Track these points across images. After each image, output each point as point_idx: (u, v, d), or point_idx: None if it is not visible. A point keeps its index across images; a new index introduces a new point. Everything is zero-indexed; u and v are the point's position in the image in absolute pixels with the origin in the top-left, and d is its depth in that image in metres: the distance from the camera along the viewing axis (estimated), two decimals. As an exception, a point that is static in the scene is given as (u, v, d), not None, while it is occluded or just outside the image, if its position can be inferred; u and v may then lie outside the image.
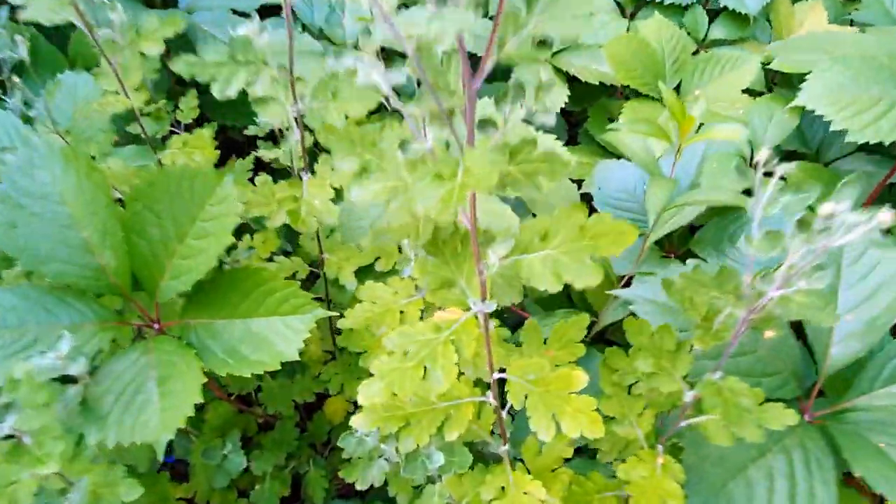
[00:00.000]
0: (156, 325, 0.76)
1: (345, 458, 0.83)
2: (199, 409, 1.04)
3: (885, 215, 0.37)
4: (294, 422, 0.99)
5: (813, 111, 0.97)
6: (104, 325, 0.72)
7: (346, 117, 0.61)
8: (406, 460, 0.59)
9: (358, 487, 0.72)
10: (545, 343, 0.64)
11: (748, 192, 0.99)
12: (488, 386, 0.62)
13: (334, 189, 0.71)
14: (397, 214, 0.49)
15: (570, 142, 1.51)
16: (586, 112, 1.47)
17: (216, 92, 0.53)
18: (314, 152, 0.77)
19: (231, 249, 0.88)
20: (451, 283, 0.53)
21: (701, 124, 1.16)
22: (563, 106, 1.37)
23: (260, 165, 1.13)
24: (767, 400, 0.56)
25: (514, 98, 0.46)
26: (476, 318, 0.48)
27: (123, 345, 0.73)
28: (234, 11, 1.31)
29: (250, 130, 1.02)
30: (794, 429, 0.67)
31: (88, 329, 0.71)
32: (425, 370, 0.45)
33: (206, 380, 0.66)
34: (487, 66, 0.38)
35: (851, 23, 1.49)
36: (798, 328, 0.74)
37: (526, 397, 0.54)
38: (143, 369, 0.69)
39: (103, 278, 0.72)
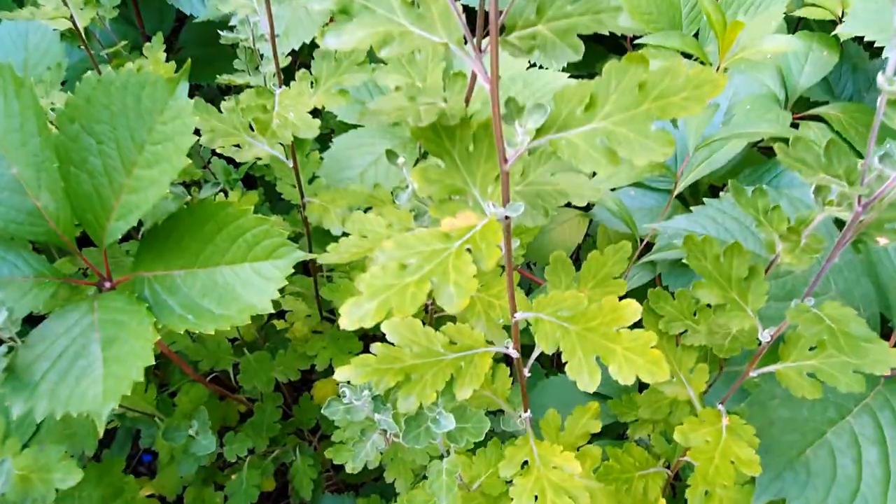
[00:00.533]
0: (106, 284, 0.63)
1: (334, 441, 0.71)
2: (171, 394, 0.92)
3: None
4: (276, 404, 0.87)
5: (859, 40, 0.86)
6: (40, 281, 0.60)
7: None
8: (407, 427, 0.47)
9: (348, 470, 0.60)
10: (575, 282, 0.52)
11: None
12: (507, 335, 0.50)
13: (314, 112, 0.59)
14: (392, 72, 0.37)
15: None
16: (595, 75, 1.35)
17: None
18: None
19: (192, 185, 0.76)
20: (462, 192, 0.41)
21: (725, 69, 1.05)
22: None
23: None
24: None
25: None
26: (496, 222, 0.36)
27: (64, 302, 0.60)
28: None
29: (223, 79, 0.90)
30: (875, 385, 0.56)
31: (19, 284, 0.59)
32: (433, 285, 0.33)
33: (157, 338, 0.53)
34: None
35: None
36: (869, 271, 0.63)
37: (560, 338, 0.42)
38: (85, 330, 0.57)
39: (40, 223, 0.59)
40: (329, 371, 0.90)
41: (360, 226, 0.52)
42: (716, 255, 0.45)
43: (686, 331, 0.53)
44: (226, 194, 0.87)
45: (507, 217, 0.37)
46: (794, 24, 1.31)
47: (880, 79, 0.33)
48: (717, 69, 0.74)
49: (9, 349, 0.54)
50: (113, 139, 0.55)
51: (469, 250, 0.34)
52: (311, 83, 0.59)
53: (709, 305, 0.49)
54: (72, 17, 0.67)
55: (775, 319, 0.48)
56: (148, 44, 0.74)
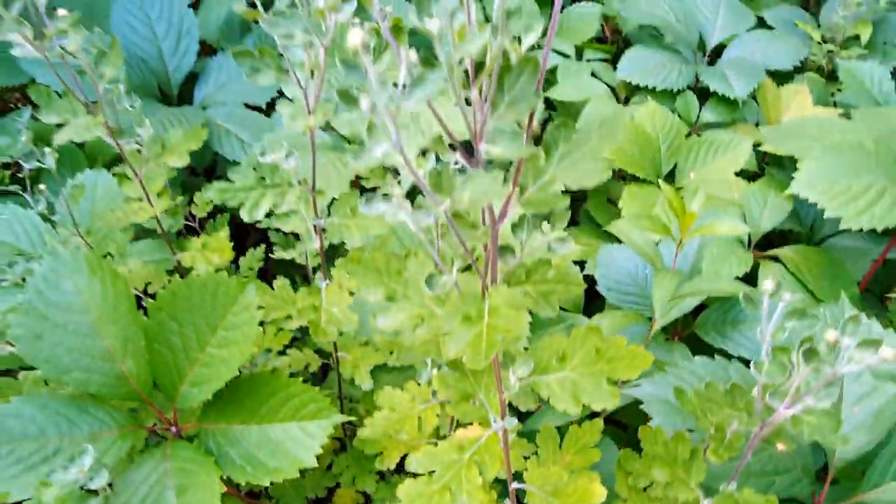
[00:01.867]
0: (173, 429, 0.76)
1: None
2: None
3: (888, 351, 0.39)
4: (305, 516, 0.98)
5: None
6: (123, 432, 0.73)
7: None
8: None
9: None
10: (561, 448, 0.65)
11: (748, 280, 1.02)
12: (506, 492, 0.62)
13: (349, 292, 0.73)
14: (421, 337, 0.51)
15: (571, 221, 1.55)
16: (586, 191, 1.51)
17: (245, 215, 0.56)
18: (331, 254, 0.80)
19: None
20: (472, 396, 0.55)
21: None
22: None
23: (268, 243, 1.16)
24: (782, 501, 0.56)
25: (529, 227, 0.48)
26: (497, 435, 0.50)
27: (140, 448, 0.73)
28: (247, 105, 1.37)
29: (262, 223, 1.05)
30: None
31: (108, 437, 0.72)
32: (451, 493, 0.46)
33: (224, 489, 0.66)
34: (510, 212, 0.41)
35: (835, 104, 1.55)
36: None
37: (546, 509, 0.55)
38: (160, 478, 0.70)
39: (124, 385, 0.73)
40: (351, 484, 1.02)
41: (388, 400, 0.65)
42: (665, 441, 0.58)
43: (652, 483, 0.66)
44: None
45: (504, 430, 0.51)
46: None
47: (752, 366, 0.47)
48: (680, 242, 0.88)
49: (104, 500, 0.67)
50: (191, 324, 0.70)
51: (476, 462, 0.48)
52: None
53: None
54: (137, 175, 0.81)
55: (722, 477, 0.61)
56: (216, 232, 0.88)
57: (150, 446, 0.74)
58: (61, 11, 0.62)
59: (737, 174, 1.31)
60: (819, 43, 1.81)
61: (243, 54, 0.49)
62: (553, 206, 0.38)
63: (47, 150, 0.85)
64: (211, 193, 0.55)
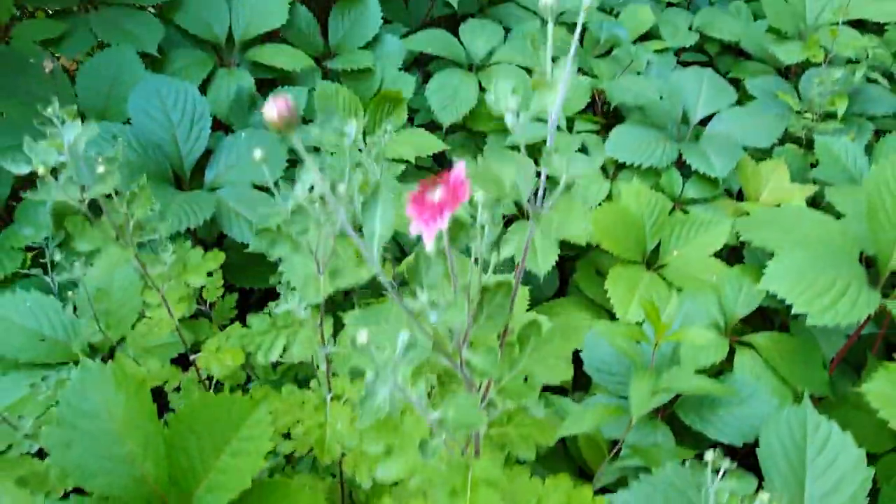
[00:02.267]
0: (188, 524, 0.83)
1: None
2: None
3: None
4: None
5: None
6: (143, 530, 0.80)
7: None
8: None
9: None
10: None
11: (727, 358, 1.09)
12: None
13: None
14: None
15: (560, 292, 1.63)
16: (575, 262, 1.59)
17: (260, 358, 0.63)
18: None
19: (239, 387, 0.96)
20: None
21: (679, 288, 1.28)
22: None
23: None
24: None
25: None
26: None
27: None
28: (256, 186, 1.45)
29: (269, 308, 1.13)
30: None
31: (129, 535, 0.79)
32: None
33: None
34: (489, 395, 0.48)
35: (814, 181, 1.63)
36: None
37: None
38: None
39: (144, 487, 0.80)
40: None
41: (387, 509, 0.72)
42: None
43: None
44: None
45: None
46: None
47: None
48: (656, 344, 0.96)
49: None
50: (208, 435, 0.77)
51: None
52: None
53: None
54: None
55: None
56: (230, 348, 0.96)
57: (168, 543, 0.81)
58: (101, 168, 0.70)
59: (719, 250, 1.39)
60: (798, 113, 1.90)
61: (263, 232, 0.57)
62: (524, 396, 0.46)
63: (77, 264, 0.92)
64: (233, 340, 0.63)
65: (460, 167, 0.40)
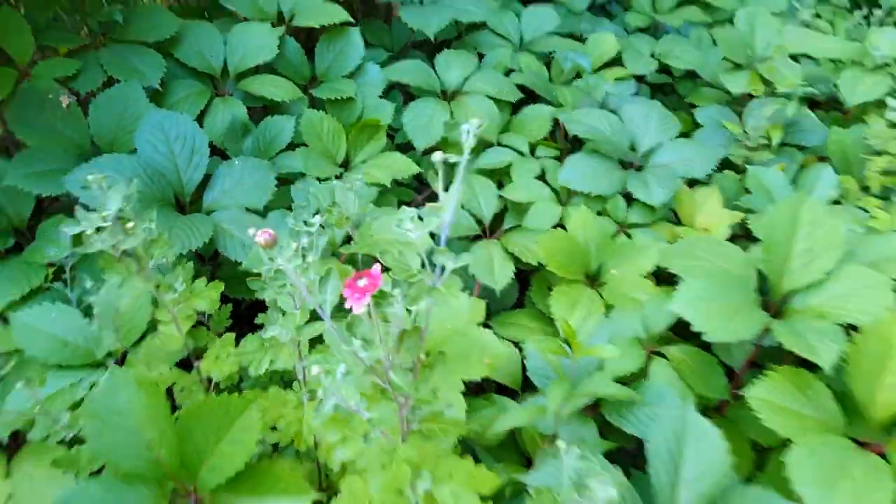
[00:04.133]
0: (193, 501, 1.04)
1: None
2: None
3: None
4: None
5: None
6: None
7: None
8: None
9: None
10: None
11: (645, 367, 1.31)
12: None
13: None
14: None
15: (519, 304, 1.84)
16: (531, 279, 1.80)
17: (252, 371, 0.84)
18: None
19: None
20: None
21: (611, 306, 1.49)
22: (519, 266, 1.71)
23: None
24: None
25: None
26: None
27: (170, 516, 1.00)
28: (248, 209, 1.65)
29: (259, 318, 1.33)
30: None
31: (146, 506, 1.00)
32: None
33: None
34: (411, 402, 0.69)
35: (748, 211, 1.83)
36: None
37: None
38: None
39: (160, 468, 1.00)
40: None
41: (349, 486, 0.93)
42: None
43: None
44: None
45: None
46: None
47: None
48: (575, 359, 1.17)
49: (147, 555, 0.94)
50: (210, 427, 0.98)
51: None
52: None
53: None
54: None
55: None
56: (228, 367, 1.15)
57: (177, 513, 1.02)
58: (130, 225, 0.90)
59: (650, 272, 1.60)
60: (738, 141, 2.12)
61: (254, 280, 0.78)
62: (433, 403, 0.67)
63: (91, 285, 1.12)
64: (232, 358, 0.83)
65: (377, 268, 0.61)
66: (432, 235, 0.69)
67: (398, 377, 0.62)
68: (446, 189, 0.67)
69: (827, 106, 2.57)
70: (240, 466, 0.95)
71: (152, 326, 1.33)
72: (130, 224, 0.90)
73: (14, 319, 1.33)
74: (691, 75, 2.76)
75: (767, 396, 1.21)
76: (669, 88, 2.86)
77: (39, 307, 1.36)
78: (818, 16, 3.58)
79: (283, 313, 0.93)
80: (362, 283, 0.58)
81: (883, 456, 1.12)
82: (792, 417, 1.18)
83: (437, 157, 0.67)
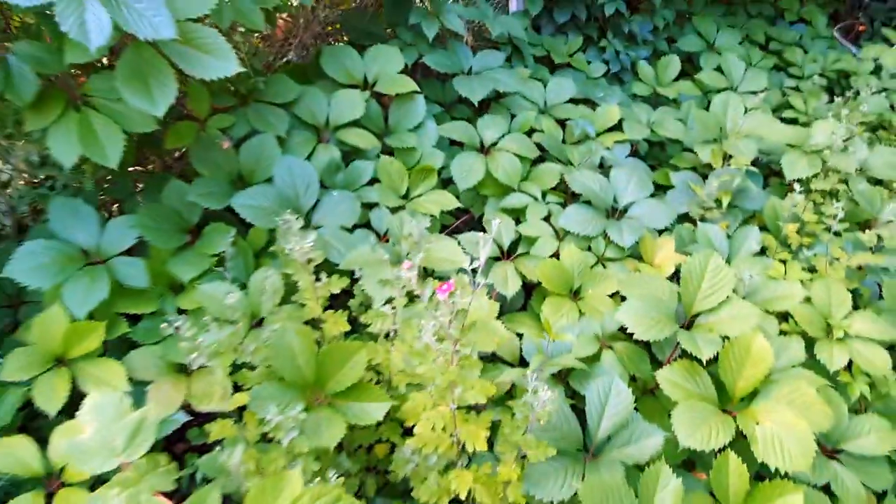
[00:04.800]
0: (321, 400, 1.79)
1: (390, 470, 1.84)
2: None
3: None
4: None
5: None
6: (302, 400, 1.76)
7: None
8: None
9: None
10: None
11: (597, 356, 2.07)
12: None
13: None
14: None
15: (523, 308, 2.58)
16: (532, 291, 2.53)
17: (371, 329, 1.60)
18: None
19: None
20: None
21: (583, 313, 2.22)
22: (524, 282, 2.44)
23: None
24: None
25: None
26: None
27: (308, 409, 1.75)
28: (342, 227, 2.41)
29: (352, 302, 2.09)
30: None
31: (295, 401, 1.75)
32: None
33: (344, 430, 1.68)
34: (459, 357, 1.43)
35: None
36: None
37: None
38: (317, 421, 1.72)
39: (306, 381, 1.76)
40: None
41: (414, 398, 1.67)
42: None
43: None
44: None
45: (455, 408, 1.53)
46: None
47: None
48: (549, 342, 1.90)
49: (299, 431, 1.69)
50: (337, 360, 1.73)
51: None
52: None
53: None
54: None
55: None
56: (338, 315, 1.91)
57: (313, 408, 1.76)
58: (313, 255, 1.66)
59: (611, 294, 2.33)
60: (698, 200, 2.83)
61: (352, 262, 1.52)
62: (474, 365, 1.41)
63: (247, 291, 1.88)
64: (344, 318, 1.57)
65: (451, 282, 1.34)
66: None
67: (454, 332, 1.34)
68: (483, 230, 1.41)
69: (782, 176, 3.27)
70: (351, 383, 1.70)
71: (284, 300, 2.09)
72: (310, 254, 1.66)
73: (198, 289, 2.10)
74: (679, 141, 3.46)
75: (670, 377, 1.94)
76: (660, 147, 3.58)
77: (211, 282, 2.12)
78: (797, 89, 4.28)
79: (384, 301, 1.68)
80: (444, 286, 1.30)
81: (735, 418, 1.84)
82: (682, 390, 1.91)
83: (495, 223, 1.41)
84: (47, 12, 1.76)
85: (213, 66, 1.87)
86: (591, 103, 3.61)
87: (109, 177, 2.45)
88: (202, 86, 2.38)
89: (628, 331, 1.99)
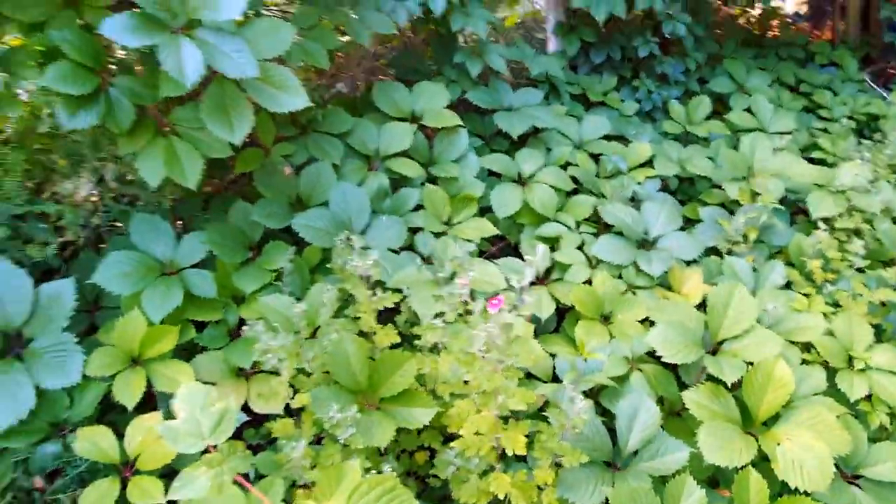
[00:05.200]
0: (372, 406, 1.96)
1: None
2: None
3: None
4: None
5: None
6: (354, 403, 1.93)
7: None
8: None
9: (441, 480, 1.88)
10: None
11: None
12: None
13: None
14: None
15: (556, 330, 2.73)
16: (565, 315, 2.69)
17: (419, 342, 1.77)
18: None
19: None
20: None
21: (613, 336, 2.37)
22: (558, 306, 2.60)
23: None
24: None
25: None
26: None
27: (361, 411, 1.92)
28: (390, 249, 2.60)
29: (399, 318, 2.27)
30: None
31: (350, 404, 1.91)
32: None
33: (394, 432, 1.84)
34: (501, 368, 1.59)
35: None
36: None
37: None
38: (369, 423, 1.89)
39: (359, 386, 1.93)
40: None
41: (458, 407, 1.83)
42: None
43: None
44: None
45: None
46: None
47: None
48: (585, 360, 2.05)
49: (355, 427, 1.86)
50: (388, 369, 1.90)
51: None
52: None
53: None
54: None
55: None
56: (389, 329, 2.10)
57: (365, 411, 1.93)
58: (374, 270, 1.85)
59: (641, 320, 2.47)
60: (725, 235, 2.97)
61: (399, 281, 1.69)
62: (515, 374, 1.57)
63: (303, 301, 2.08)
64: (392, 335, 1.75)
65: (501, 298, 1.51)
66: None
67: (500, 343, 1.51)
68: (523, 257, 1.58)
69: (808, 214, 3.39)
70: (401, 389, 1.87)
71: (337, 314, 2.27)
72: (372, 266, 1.85)
73: (260, 300, 2.30)
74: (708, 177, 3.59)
75: (696, 398, 2.07)
76: (690, 183, 3.72)
77: (271, 295, 2.32)
78: (826, 130, 4.41)
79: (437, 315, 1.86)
80: (496, 301, 1.47)
81: (757, 439, 1.96)
82: (708, 411, 2.04)
83: (539, 249, 1.59)
84: (148, 51, 2.00)
85: (285, 100, 2.10)
86: (624, 140, 3.79)
87: (178, 196, 2.69)
88: (269, 117, 2.61)
89: (657, 354, 2.13)
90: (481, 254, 3.10)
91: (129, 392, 2.06)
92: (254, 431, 2.29)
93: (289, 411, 2.05)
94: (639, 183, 3.25)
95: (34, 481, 2.09)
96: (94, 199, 2.34)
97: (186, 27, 1.88)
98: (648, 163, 3.50)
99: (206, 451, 1.51)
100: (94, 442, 1.98)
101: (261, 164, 2.59)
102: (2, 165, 2.03)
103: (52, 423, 2.05)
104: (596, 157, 3.47)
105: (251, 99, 2.09)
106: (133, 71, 2.21)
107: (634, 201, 3.17)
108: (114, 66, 2.17)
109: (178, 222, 2.88)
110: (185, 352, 2.28)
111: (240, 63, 1.89)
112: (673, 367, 2.32)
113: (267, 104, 2.09)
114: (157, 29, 1.82)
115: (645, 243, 2.88)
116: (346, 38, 3.11)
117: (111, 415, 2.22)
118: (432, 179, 3.03)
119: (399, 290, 2.32)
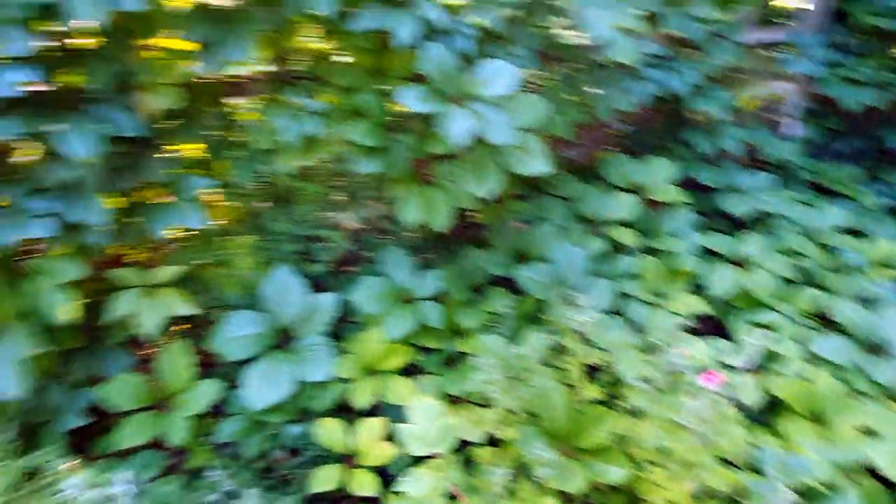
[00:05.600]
0: (565, 452, 2.10)
1: None
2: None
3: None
4: None
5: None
6: (553, 447, 2.09)
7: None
8: None
9: None
10: None
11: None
12: None
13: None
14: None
15: (758, 420, 2.65)
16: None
17: (628, 403, 1.89)
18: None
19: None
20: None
21: (825, 438, 2.27)
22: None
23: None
24: None
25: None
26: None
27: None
28: (601, 310, 2.74)
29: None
30: None
31: (549, 446, 2.08)
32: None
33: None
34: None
35: None
36: None
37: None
38: (564, 467, 2.03)
39: (559, 433, 2.09)
40: None
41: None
42: None
43: None
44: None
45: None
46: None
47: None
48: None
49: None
50: (591, 423, 2.04)
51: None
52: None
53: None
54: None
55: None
56: None
57: (562, 457, 2.08)
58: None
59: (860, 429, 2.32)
60: None
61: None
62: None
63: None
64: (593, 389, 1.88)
65: (716, 373, 1.59)
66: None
67: (709, 417, 1.59)
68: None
69: None
70: (598, 443, 1.99)
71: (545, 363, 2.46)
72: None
73: (479, 338, 2.56)
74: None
75: None
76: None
77: (490, 335, 2.58)
78: None
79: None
80: (711, 376, 1.56)
81: None
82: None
83: (757, 335, 1.65)
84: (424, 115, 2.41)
85: (532, 165, 2.38)
86: (861, 234, 3.56)
87: (422, 235, 3.09)
88: (512, 177, 2.93)
89: (875, 469, 2.01)
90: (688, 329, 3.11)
91: (362, 396, 2.42)
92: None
93: (489, 441, 2.27)
94: (874, 282, 3.05)
95: (277, 454, 2.53)
96: (357, 229, 2.82)
97: (461, 97, 2.25)
98: (889, 263, 3.25)
99: (428, 458, 1.78)
100: (330, 431, 2.36)
101: (497, 218, 2.90)
102: (302, 195, 2.55)
103: (302, 409, 2.48)
104: (826, 249, 3.31)
105: (502, 162, 2.40)
106: (411, 130, 2.65)
107: (866, 301, 2.97)
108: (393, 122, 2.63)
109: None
110: (406, 372, 2.61)
111: (502, 131, 2.21)
112: (892, 487, 2.16)
113: (516, 167, 2.38)
114: (440, 99, 2.20)
115: (876, 348, 2.69)
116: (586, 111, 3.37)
117: (341, 413, 2.61)
118: (650, 250, 3.13)
119: (605, 350, 2.45)
